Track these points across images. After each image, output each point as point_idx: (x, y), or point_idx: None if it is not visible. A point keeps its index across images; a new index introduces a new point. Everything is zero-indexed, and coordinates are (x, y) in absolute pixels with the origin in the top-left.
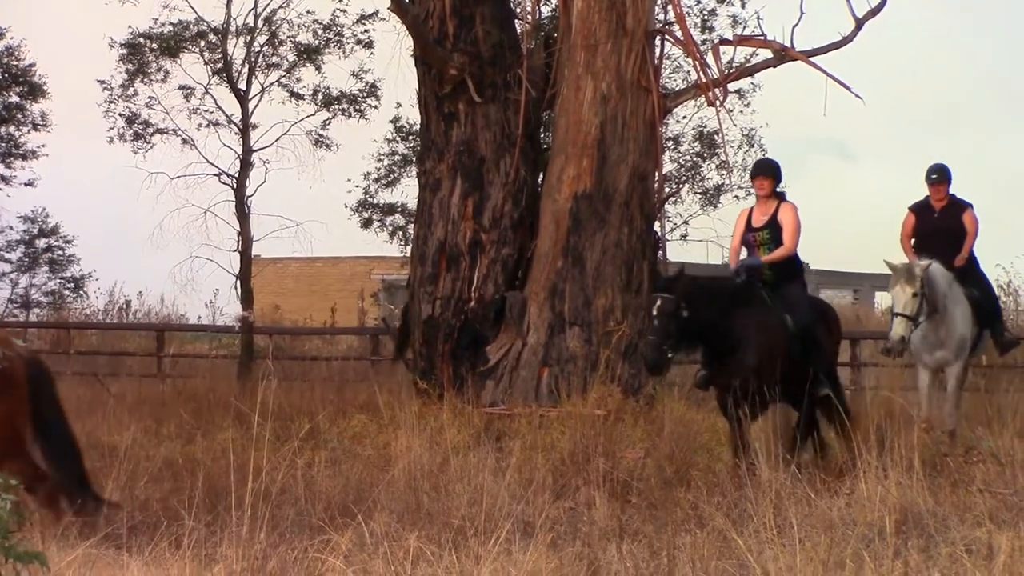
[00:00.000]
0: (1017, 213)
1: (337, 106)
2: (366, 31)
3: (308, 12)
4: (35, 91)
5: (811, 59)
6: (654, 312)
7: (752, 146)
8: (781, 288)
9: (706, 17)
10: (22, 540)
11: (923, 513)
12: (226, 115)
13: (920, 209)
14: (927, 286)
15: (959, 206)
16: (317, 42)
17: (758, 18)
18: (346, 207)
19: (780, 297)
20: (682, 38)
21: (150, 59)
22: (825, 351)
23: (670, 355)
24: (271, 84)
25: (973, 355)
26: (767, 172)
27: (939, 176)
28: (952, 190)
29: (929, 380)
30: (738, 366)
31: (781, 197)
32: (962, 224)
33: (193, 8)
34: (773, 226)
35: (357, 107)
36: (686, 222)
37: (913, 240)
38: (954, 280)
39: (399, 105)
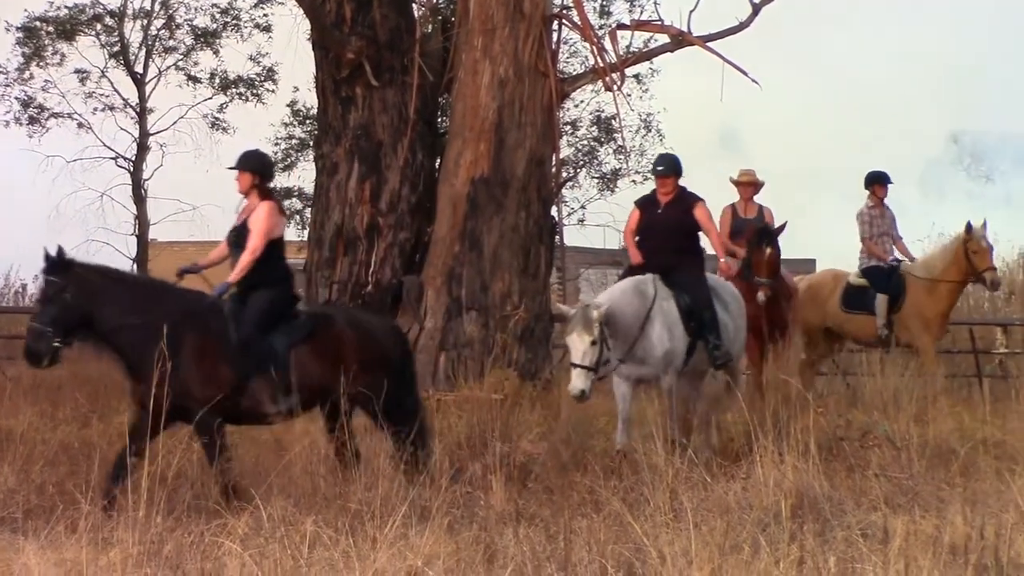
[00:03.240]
0: (918, 195)
1: (234, 90)
2: (264, 15)
3: None
4: None
5: (708, 44)
6: (39, 296)
7: (649, 131)
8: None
9: (604, 2)
10: None
11: (819, 497)
12: (123, 99)
13: (645, 203)
14: (610, 325)
15: (687, 200)
16: (215, 26)
17: (655, 3)
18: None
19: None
20: (579, 23)
21: (46, 42)
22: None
23: (56, 344)
24: (168, 68)
25: (687, 366)
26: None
27: (665, 168)
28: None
29: (628, 391)
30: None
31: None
32: (689, 219)
33: None
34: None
35: (254, 91)
36: (583, 207)
37: (637, 237)
38: (660, 291)
39: (296, 89)
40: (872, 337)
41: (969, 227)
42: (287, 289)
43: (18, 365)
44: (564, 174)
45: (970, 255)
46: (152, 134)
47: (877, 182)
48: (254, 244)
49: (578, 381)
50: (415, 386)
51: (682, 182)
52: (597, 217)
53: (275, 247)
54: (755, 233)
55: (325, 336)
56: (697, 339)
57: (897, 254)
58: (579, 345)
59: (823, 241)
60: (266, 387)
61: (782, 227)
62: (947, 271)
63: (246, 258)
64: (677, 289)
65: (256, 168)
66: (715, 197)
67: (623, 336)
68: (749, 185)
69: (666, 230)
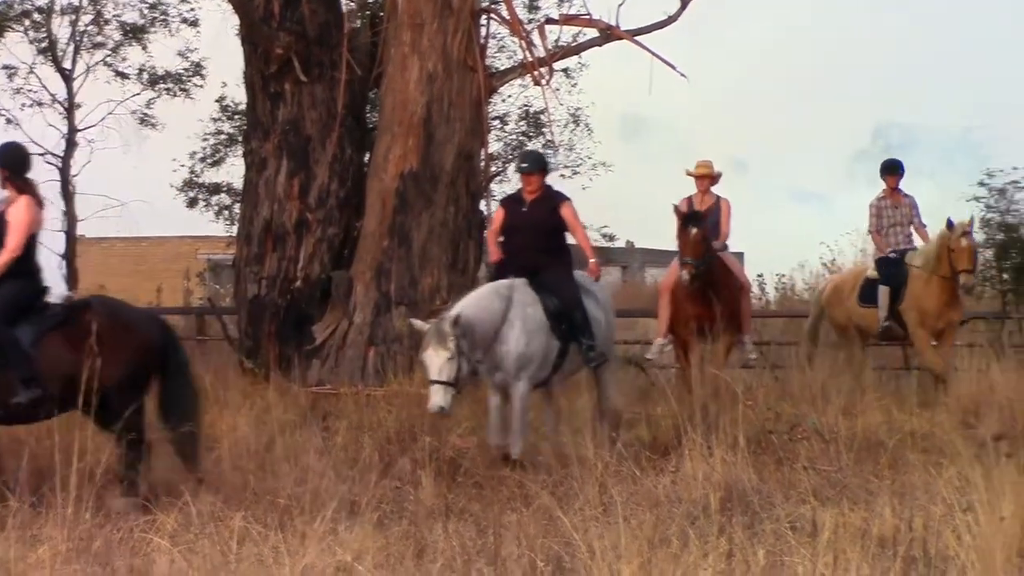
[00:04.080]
0: (845, 191)
1: (163, 85)
2: (192, 10)
3: None
4: None
5: (636, 38)
6: None
7: (578, 125)
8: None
9: None
10: None
11: (748, 490)
12: (51, 94)
13: (510, 202)
14: (466, 337)
15: (553, 199)
16: (143, 21)
17: None
18: (172, 187)
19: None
20: (508, 17)
21: None
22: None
23: None
24: (96, 63)
25: (560, 371)
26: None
27: (530, 165)
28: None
29: (500, 402)
30: None
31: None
32: (555, 218)
33: None
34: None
35: (183, 86)
36: None
37: (502, 237)
38: (523, 295)
39: (224, 84)
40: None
41: (949, 223)
42: (36, 281)
43: None
44: (493, 169)
45: (949, 253)
46: (80, 130)
47: (888, 171)
48: (14, 243)
49: (437, 397)
50: (189, 380)
51: (612, 179)
52: None
53: (32, 241)
54: (682, 217)
55: (78, 325)
56: (570, 342)
57: (917, 242)
58: (435, 360)
59: (752, 235)
60: (10, 377)
61: (707, 212)
62: (938, 266)
63: (5, 257)
64: (544, 292)
65: (5, 162)
66: (650, 188)
67: (482, 342)
68: (705, 177)
69: (531, 229)
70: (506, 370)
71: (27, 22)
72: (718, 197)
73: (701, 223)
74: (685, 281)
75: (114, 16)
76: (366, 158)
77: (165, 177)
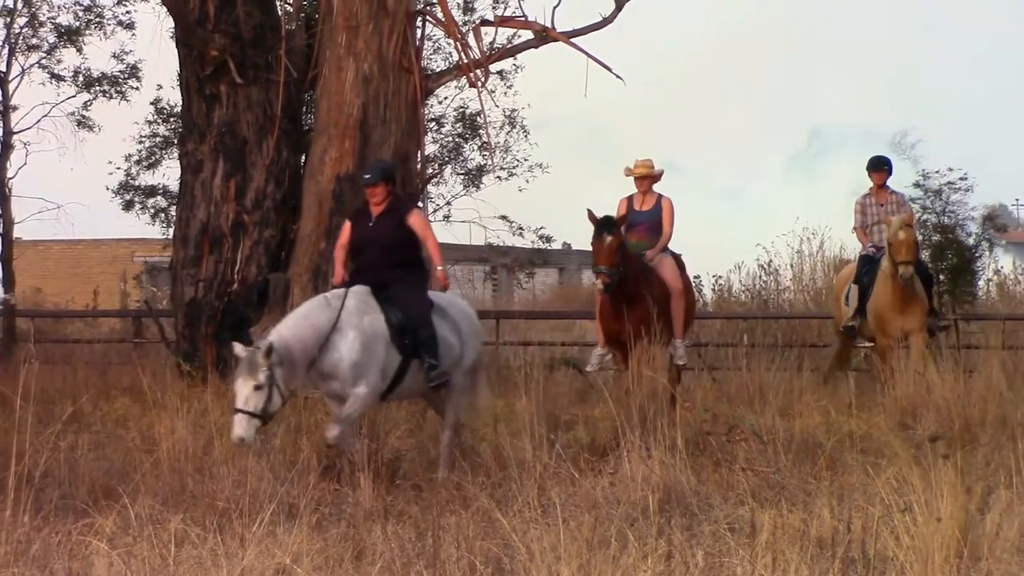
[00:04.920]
0: (781, 192)
1: (98, 87)
2: (127, 12)
3: None
4: None
5: (572, 40)
6: None
7: (514, 127)
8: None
9: None
10: None
11: (686, 492)
12: None
13: (356, 215)
14: (282, 365)
15: (401, 209)
16: (78, 23)
17: None
18: (108, 189)
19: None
20: (443, 19)
21: None
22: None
23: None
24: (31, 65)
25: (400, 387)
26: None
27: (372, 177)
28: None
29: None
30: None
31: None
32: (404, 230)
33: None
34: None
35: (118, 88)
36: (449, 203)
37: (349, 252)
38: (361, 304)
39: (160, 87)
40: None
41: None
42: None
43: None
44: (429, 170)
45: (890, 247)
46: (16, 132)
47: (873, 168)
48: None
49: (238, 428)
50: None
51: (549, 180)
52: (463, 213)
53: None
54: (597, 223)
55: None
56: (412, 358)
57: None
58: (243, 390)
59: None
60: None
61: (624, 217)
62: (889, 264)
63: None
64: (389, 305)
65: None
66: (588, 189)
67: (305, 357)
68: (645, 178)
69: (379, 243)
70: (341, 378)
71: None
72: (660, 196)
73: (615, 229)
74: (599, 290)
75: (49, 19)
76: (302, 160)
77: (101, 180)
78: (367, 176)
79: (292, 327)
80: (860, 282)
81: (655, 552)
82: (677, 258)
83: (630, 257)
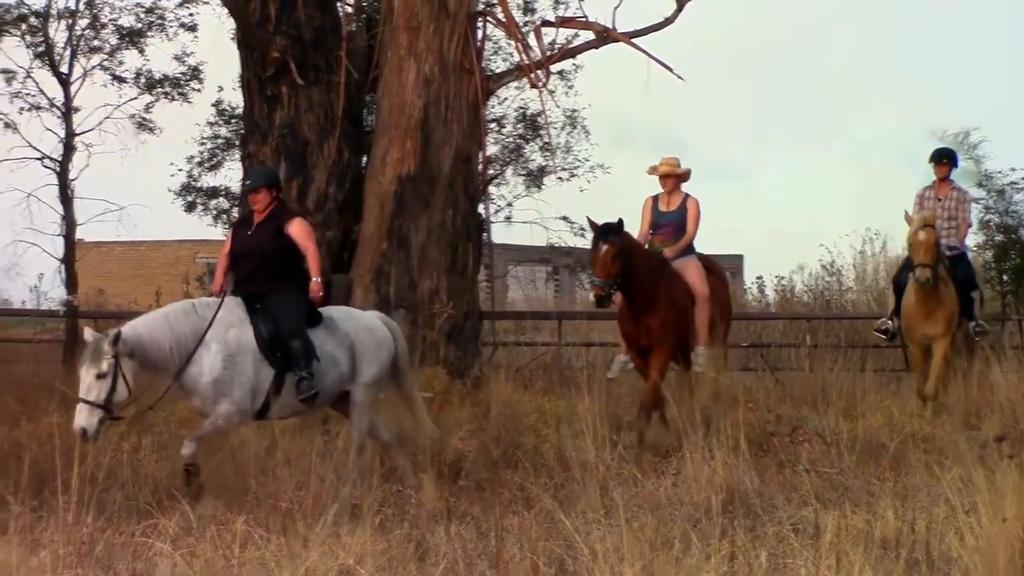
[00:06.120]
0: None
1: (160, 89)
2: (189, 14)
3: None
4: None
5: (632, 40)
6: None
7: (575, 127)
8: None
9: None
10: None
11: (749, 493)
12: (48, 99)
13: (239, 223)
14: (133, 357)
15: (281, 217)
16: (140, 25)
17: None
18: (169, 191)
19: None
20: (504, 20)
21: None
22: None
23: None
24: (93, 67)
25: (278, 401)
26: None
27: (253, 182)
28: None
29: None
30: None
31: None
32: (280, 240)
33: None
34: None
35: (180, 90)
36: (510, 204)
37: (229, 262)
38: (228, 315)
39: (221, 88)
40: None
41: (907, 216)
42: None
43: None
44: (490, 171)
45: (910, 249)
46: (78, 134)
47: (935, 160)
48: None
49: (79, 418)
50: None
51: (610, 181)
52: (524, 214)
53: None
54: (596, 230)
55: None
56: (287, 372)
57: (954, 240)
58: (86, 378)
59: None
60: None
61: (620, 223)
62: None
63: None
64: (259, 316)
65: None
66: (650, 188)
67: (165, 364)
68: (669, 176)
69: (257, 253)
70: (201, 395)
71: (24, 26)
72: (686, 196)
73: (613, 237)
74: (592, 303)
75: (111, 20)
76: (363, 161)
77: (163, 181)
78: (248, 182)
79: (150, 325)
80: (897, 282)
81: (718, 553)
82: (707, 261)
83: (643, 258)
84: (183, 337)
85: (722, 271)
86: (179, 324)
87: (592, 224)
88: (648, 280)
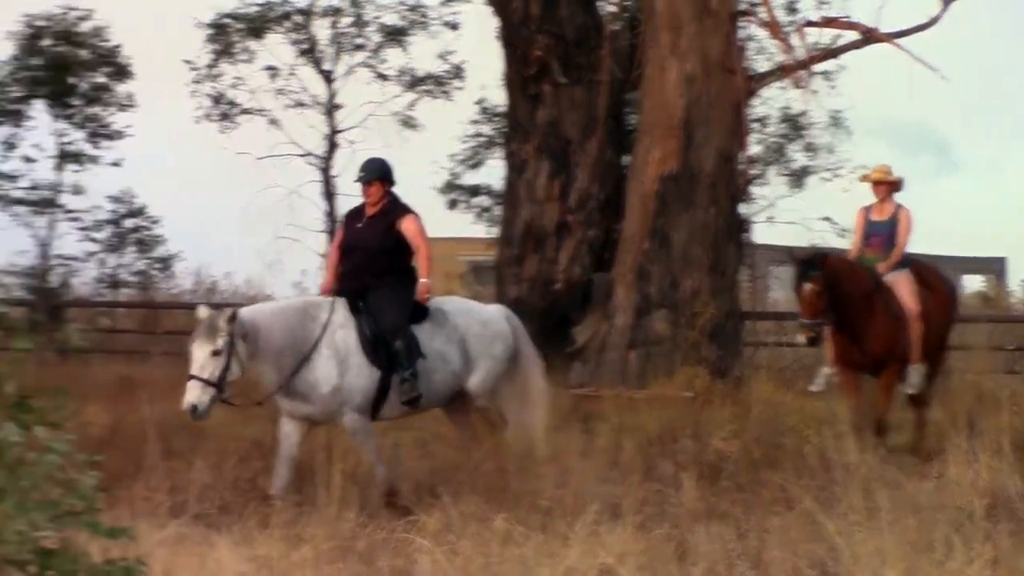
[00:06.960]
0: None
1: (423, 87)
2: (452, 13)
3: None
4: (121, 72)
5: (896, 40)
6: None
7: (838, 127)
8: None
9: None
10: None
11: (1013, 497)
12: (312, 96)
13: (349, 217)
14: (247, 340)
15: (394, 212)
16: (403, 23)
17: None
18: (432, 188)
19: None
20: (767, 19)
21: (235, 39)
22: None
23: None
24: (357, 65)
25: (387, 403)
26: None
27: (366, 174)
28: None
29: (294, 430)
30: None
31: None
32: (391, 236)
33: None
34: None
35: (443, 88)
36: (772, 204)
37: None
38: (338, 317)
39: (484, 87)
40: None
41: None
42: None
43: None
44: (752, 171)
45: None
46: (341, 131)
47: None
48: None
49: (189, 395)
50: None
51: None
52: (787, 215)
53: None
54: (797, 264)
55: None
56: (391, 373)
57: None
58: (198, 355)
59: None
60: None
61: (820, 255)
62: None
63: None
64: (362, 315)
65: None
66: (912, 190)
67: (275, 362)
68: (882, 183)
69: (365, 248)
70: (319, 404)
71: (288, 24)
72: (898, 206)
73: (815, 273)
74: (802, 343)
75: (374, 18)
76: (624, 160)
77: (425, 179)
78: (361, 174)
79: (265, 314)
80: None
81: (982, 557)
82: (926, 273)
83: (852, 282)
84: (297, 338)
85: (943, 282)
86: (292, 323)
87: (793, 259)
88: (862, 302)
